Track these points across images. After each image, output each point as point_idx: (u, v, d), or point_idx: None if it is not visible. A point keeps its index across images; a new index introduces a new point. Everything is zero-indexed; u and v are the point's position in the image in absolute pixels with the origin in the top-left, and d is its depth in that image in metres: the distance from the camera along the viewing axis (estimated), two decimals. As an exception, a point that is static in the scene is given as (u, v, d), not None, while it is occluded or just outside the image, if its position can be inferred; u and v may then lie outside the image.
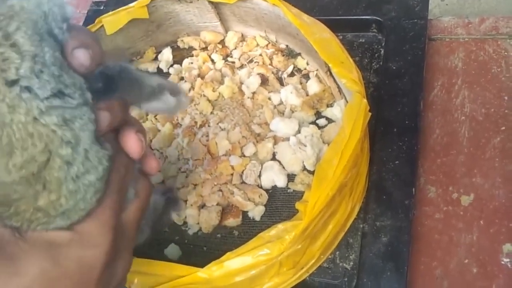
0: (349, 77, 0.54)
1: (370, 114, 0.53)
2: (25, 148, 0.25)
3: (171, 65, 0.75)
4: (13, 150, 0.25)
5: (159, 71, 0.76)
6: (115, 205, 0.32)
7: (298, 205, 0.49)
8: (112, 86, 0.31)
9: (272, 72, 0.69)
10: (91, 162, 0.28)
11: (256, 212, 0.58)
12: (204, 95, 0.68)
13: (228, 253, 0.48)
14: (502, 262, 0.53)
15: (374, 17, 0.70)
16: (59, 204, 0.28)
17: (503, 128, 0.60)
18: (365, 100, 0.52)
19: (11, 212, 0.27)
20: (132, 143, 0.33)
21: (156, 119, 0.70)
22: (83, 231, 0.30)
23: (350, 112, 0.51)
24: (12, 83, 0.25)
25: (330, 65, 0.56)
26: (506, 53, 0.64)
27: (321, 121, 0.63)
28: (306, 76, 0.68)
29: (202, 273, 0.48)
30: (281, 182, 0.59)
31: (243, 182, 0.61)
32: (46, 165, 0.26)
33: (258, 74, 0.68)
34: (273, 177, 0.60)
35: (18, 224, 0.28)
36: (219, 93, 0.68)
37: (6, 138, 0.25)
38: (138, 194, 0.36)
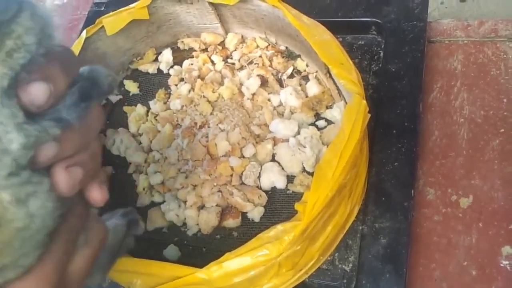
0: (348, 78, 0.54)
1: (369, 115, 0.53)
2: None
3: (171, 66, 0.75)
4: None
5: (159, 72, 0.76)
6: (59, 259, 0.29)
7: (297, 206, 0.49)
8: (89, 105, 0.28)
9: (272, 74, 0.69)
10: (44, 223, 0.26)
11: (256, 213, 0.58)
12: (204, 96, 0.68)
13: (227, 254, 0.48)
14: (501, 265, 0.53)
15: (374, 19, 0.70)
16: None
17: (502, 130, 0.60)
18: (364, 102, 0.52)
19: None
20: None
21: (156, 119, 0.70)
22: None
23: (349, 113, 0.51)
24: None
25: (329, 66, 0.56)
26: (505, 56, 0.64)
27: (321, 123, 0.63)
28: (306, 78, 0.68)
29: (201, 274, 0.48)
30: (280, 183, 0.59)
31: (242, 183, 0.61)
32: None
33: (258, 75, 0.68)
34: (273, 178, 0.60)
35: None
36: (219, 94, 0.68)
37: None
38: (90, 242, 0.33)
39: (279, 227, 0.48)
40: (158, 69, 0.76)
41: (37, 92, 0.24)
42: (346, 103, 0.62)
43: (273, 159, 0.62)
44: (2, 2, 0.23)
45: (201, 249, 0.59)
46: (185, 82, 0.71)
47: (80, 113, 0.27)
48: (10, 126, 0.23)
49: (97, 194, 0.31)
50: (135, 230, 0.47)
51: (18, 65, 0.23)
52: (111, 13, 0.69)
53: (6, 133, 0.23)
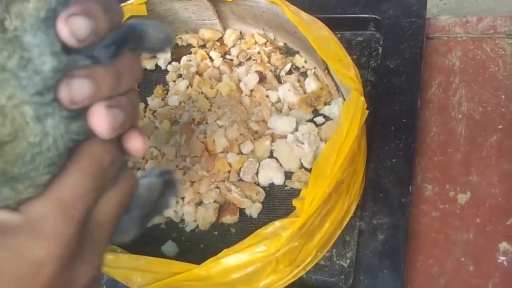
0: (346, 74, 0.54)
1: (367, 111, 0.53)
2: None
3: (169, 62, 0.75)
4: None
5: (157, 68, 0.76)
6: (83, 191, 0.26)
7: (295, 202, 0.49)
8: (120, 50, 0.28)
9: (270, 70, 0.69)
10: (55, 144, 0.26)
11: (253, 209, 0.58)
12: (202, 93, 0.68)
13: (225, 250, 0.48)
14: (499, 261, 0.53)
15: (372, 16, 0.70)
16: (9, 170, 0.25)
17: (500, 126, 0.60)
18: (362, 98, 0.52)
19: None
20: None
21: (154, 116, 0.70)
22: (34, 214, 0.25)
23: (347, 110, 0.51)
24: (3, 68, 0.24)
25: (328, 63, 0.56)
26: (503, 52, 0.64)
27: (319, 119, 0.63)
28: (304, 74, 0.68)
29: (199, 270, 0.48)
30: (278, 179, 0.59)
31: (240, 180, 0.61)
32: (10, 144, 0.25)
33: (256, 72, 0.68)
34: (271, 174, 0.60)
35: None
36: (217, 90, 0.68)
37: None
38: (118, 186, 0.30)
39: (277, 223, 0.48)
40: (156, 65, 0.76)
41: (79, 26, 0.24)
42: (344, 99, 0.62)
43: (271, 156, 0.62)
44: None
45: (199, 245, 0.59)
46: (183, 78, 0.71)
47: (112, 56, 0.27)
48: (45, 50, 0.24)
49: (138, 142, 0.29)
50: (172, 191, 0.45)
51: (48, 4, 0.24)
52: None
53: (40, 55, 0.24)
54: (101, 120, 0.26)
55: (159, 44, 0.32)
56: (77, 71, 0.25)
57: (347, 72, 0.54)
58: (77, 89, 0.25)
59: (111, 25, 0.26)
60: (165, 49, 0.34)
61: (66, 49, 0.25)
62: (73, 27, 0.24)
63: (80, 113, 0.27)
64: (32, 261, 0.24)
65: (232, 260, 0.47)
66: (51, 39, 0.25)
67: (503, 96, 0.61)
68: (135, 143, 0.29)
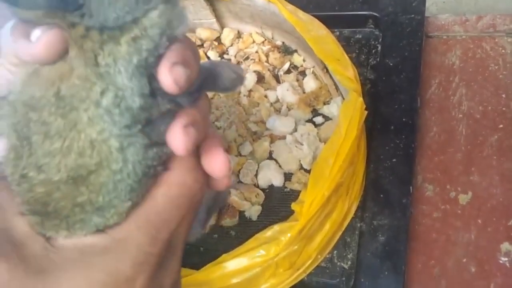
0: (345, 75, 0.54)
1: (366, 112, 0.52)
2: (82, 156, 0.26)
3: (167, 63, 0.74)
4: (69, 153, 0.26)
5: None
6: (168, 216, 0.28)
7: (294, 206, 0.49)
8: (200, 90, 0.31)
9: (268, 70, 0.68)
10: (134, 170, 0.28)
11: (253, 211, 0.58)
12: (200, 94, 0.67)
13: (224, 255, 0.48)
14: (500, 261, 0.53)
15: (371, 13, 0.69)
16: (95, 199, 0.27)
17: (501, 126, 0.59)
18: (361, 99, 0.51)
19: (49, 211, 0.27)
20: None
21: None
22: (121, 235, 0.27)
23: (346, 111, 0.51)
24: (97, 104, 0.26)
25: (326, 62, 0.55)
26: (503, 51, 0.64)
27: (318, 119, 0.63)
28: (303, 73, 0.68)
29: (198, 275, 0.48)
30: (277, 181, 0.59)
31: (239, 182, 0.60)
32: (95, 173, 0.27)
33: (254, 71, 0.67)
34: (270, 176, 0.59)
35: (52, 232, 0.27)
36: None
37: (69, 140, 0.26)
38: None
39: (276, 227, 0.48)
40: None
41: (180, 74, 0.26)
42: (344, 98, 0.61)
43: (270, 157, 0.61)
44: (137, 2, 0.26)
45: (199, 248, 0.59)
46: (181, 79, 0.71)
47: (194, 101, 0.30)
48: (137, 92, 0.26)
49: (226, 181, 0.32)
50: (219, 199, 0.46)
51: (143, 49, 0.26)
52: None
53: (132, 95, 0.26)
54: (179, 140, 0.28)
55: (231, 84, 0.35)
56: (183, 119, 0.28)
57: (345, 72, 0.54)
58: (190, 136, 0.27)
59: (198, 70, 0.28)
60: (237, 88, 0.37)
61: (152, 92, 0.27)
62: (175, 76, 0.26)
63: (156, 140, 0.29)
64: (123, 278, 0.26)
65: (231, 264, 0.47)
66: (142, 84, 0.27)
67: (503, 95, 0.60)
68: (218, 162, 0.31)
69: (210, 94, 0.67)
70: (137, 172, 0.28)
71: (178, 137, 0.28)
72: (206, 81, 0.32)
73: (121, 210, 0.28)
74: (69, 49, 0.26)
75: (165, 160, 0.29)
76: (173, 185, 0.29)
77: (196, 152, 0.30)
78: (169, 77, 0.26)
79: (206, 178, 0.31)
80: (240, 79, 0.35)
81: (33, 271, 0.25)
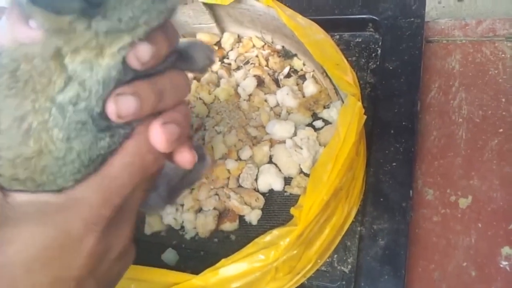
0: (344, 79, 0.54)
1: (365, 117, 0.52)
2: (20, 144, 0.27)
3: (167, 67, 0.74)
4: (9, 137, 0.27)
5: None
6: (122, 182, 0.30)
7: (293, 211, 0.49)
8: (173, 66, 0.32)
9: (268, 74, 0.68)
10: (79, 157, 0.28)
11: (253, 216, 0.58)
12: (200, 98, 0.68)
13: (223, 260, 0.48)
14: (501, 265, 0.52)
15: (371, 16, 0.69)
16: (38, 178, 0.28)
17: (501, 130, 0.59)
18: (359, 103, 0.51)
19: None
20: (153, 136, 0.30)
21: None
22: (76, 196, 0.28)
23: (344, 115, 0.51)
24: (51, 100, 0.26)
25: (325, 67, 0.55)
26: (503, 55, 0.63)
27: (318, 123, 0.63)
28: (303, 77, 0.68)
29: (197, 280, 0.48)
30: (277, 185, 0.59)
31: (239, 186, 0.60)
32: (34, 158, 0.27)
33: (254, 76, 0.67)
34: (270, 180, 0.59)
35: (5, 185, 0.28)
36: (215, 96, 0.67)
37: (8, 123, 0.27)
38: None
39: (275, 232, 0.48)
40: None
41: (143, 51, 0.27)
42: (344, 102, 0.61)
43: (270, 161, 0.61)
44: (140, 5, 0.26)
45: (199, 253, 0.59)
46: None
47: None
48: (102, 98, 0.27)
49: (187, 156, 0.33)
50: (201, 165, 0.45)
51: (121, 57, 0.27)
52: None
53: (98, 99, 0.27)
54: (158, 136, 0.30)
55: (203, 65, 0.36)
56: (123, 88, 0.28)
57: (344, 77, 0.54)
58: (123, 105, 0.27)
59: (170, 50, 0.29)
60: (207, 69, 0.37)
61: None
62: (138, 53, 0.27)
63: (109, 131, 0.29)
64: (73, 236, 0.28)
65: (230, 270, 0.47)
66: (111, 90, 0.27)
67: (503, 100, 0.60)
68: (184, 156, 0.33)
69: (210, 99, 0.67)
70: (83, 159, 0.28)
71: (158, 137, 0.30)
72: (179, 61, 0.32)
73: (65, 186, 0.29)
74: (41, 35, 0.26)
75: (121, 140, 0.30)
76: (128, 153, 0.30)
77: None
78: (131, 52, 0.27)
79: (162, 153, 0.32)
80: (211, 62, 0.37)
81: None
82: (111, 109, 0.27)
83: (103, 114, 0.28)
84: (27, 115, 0.26)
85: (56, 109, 0.26)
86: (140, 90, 0.28)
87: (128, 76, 0.28)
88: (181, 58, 0.33)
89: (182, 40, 0.34)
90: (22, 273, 0.26)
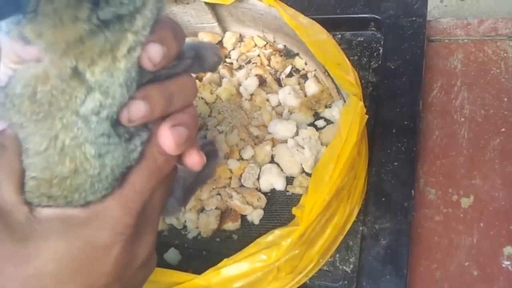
0: (345, 79, 0.54)
1: (367, 116, 0.52)
2: (56, 164, 0.28)
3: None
4: (43, 159, 0.28)
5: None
6: (140, 187, 0.30)
7: (294, 211, 0.49)
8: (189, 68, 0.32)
9: (270, 73, 0.68)
10: (113, 173, 0.29)
11: (255, 215, 0.58)
12: (202, 98, 0.68)
13: (225, 260, 0.48)
14: (503, 265, 0.52)
15: (373, 15, 0.69)
16: (70, 196, 0.29)
17: (503, 129, 0.59)
18: (361, 103, 0.51)
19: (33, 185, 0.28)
20: (163, 139, 0.31)
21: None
22: (99, 208, 0.29)
23: (346, 115, 0.51)
24: (76, 113, 0.27)
25: (326, 67, 0.55)
26: (505, 55, 0.63)
27: (320, 122, 0.63)
28: (305, 77, 0.68)
29: (199, 280, 0.48)
30: (279, 185, 0.59)
31: (241, 186, 0.60)
32: (69, 178, 0.28)
33: (256, 75, 0.67)
34: (272, 180, 0.59)
35: (35, 201, 0.29)
36: (217, 95, 0.67)
37: (45, 145, 0.27)
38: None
39: (277, 232, 0.48)
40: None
41: (155, 52, 0.27)
42: (345, 101, 0.61)
43: (272, 161, 0.61)
44: None
45: (201, 252, 0.59)
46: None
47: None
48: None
49: (196, 158, 0.34)
50: (213, 161, 0.46)
51: (135, 58, 0.27)
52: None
53: (121, 105, 0.27)
54: (167, 139, 0.30)
55: (212, 63, 0.36)
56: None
57: (346, 76, 0.54)
58: (134, 110, 0.28)
59: (179, 49, 0.30)
60: (217, 67, 0.37)
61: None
62: (149, 54, 0.27)
63: (137, 144, 0.30)
64: (100, 247, 0.28)
65: (232, 269, 0.47)
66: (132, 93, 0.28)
67: (505, 99, 0.60)
68: (193, 158, 0.34)
69: (212, 98, 0.67)
70: (116, 173, 0.29)
71: (167, 139, 0.30)
72: (193, 64, 0.33)
73: (94, 200, 0.29)
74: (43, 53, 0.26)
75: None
76: (141, 158, 0.31)
77: None
78: (144, 54, 0.27)
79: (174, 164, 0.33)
80: (220, 61, 0.37)
81: (17, 238, 0.27)
82: (123, 114, 0.28)
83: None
84: (59, 133, 0.27)
85: (81, 122, 0.27)
86: (150, 94, 0.29)
87: (145, 79, 0.29)
88: (195, 60, 0.33)
89: (191, 43, 0.34)
90: (51, 283, 0.27)
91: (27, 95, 0.26)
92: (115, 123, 0.28)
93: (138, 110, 0.28)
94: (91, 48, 0.25)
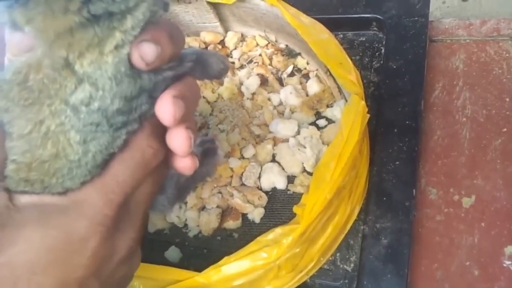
0: (347, 78, 0.54)
1: (368, 116, 0.52)
2: (37, 147, 0.27)
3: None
4: (25, 142, 0.27)
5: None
6: (122, 178, 0.29)
7: (295, 209, 0.49)
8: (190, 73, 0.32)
9: (272, 73, 0.68)
10: (95, 159, 0.29)
11: (256, 214, 0.58)
12: (204, 97, 0.68)
13: (225, 258, 0.48)
14: (504, 265, 0.52)
15: (374, 15, 0.69)
16: (47, 180, 0.29)
17: (505, 129, 0.59)
18: (363, 102, 0.51)
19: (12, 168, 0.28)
20: (179, 140, 0.31)
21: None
22: (79, 197, 0.28)
23: (348, 114, 0.51)
24: (65, 102, 0.27)
25: (328, 66, 0.55)
26: (507, 55, 0.63)
27: (321, 122, 0.63)
28: (306, 76, 0.68)
29: (200, 278, 0.48)
30: (281, 184, 0.59)
31: (242, 184, 0.60)
32: (49, 161, 0.28)
33: (258, 74, 0.68)
34: (273, 179, 0.59)
35: (12, 187, 0.28)
36: (219, 94, 0.68)
37: (29, 129, 0.27)
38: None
39: (278, 230, 0.48)
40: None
41: (147, 51, 0.27)
42: (347, 101, 0.61)
43: (273, 160, 0.61)
44: None
45: (202, 251, 0.59)
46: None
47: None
48: (118, 95, 0.27)
49: (188, 162, 0.33)
50: (212, 159, 0.45)
51: (124, 54, 0.27)
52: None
53: (113, 97, 0.27)
54: (167, 108, 0.29)
55: (218, 72, 0.36)
56: (173, 91, 0.29)
57: (347, 76, 0.54)
58: (178, 108, 0.29)
59: (175, 51, 0.29)
60: (223, 75, 0.38)
61: (135, 96, 0.28)
62: (142, 52, 0.27)
63: (125, 128, 0.29)
64: (77, 237, 0.27)
65: (233, 267, 0.47)
66: (125, 88, 0.28)
67: (507, 99, 0.60)
68: (185, 161, 0.33)
69: (213, 97, 0.67)
70: (97, 159, 0.29)
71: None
72: (196, 68, 0.33)
73: (72, 187, 0.29)
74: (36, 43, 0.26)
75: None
76: (127, 149, 0.30)
77: (162, 124, 0.31)
78: (136, 52, 0.27)
79: (165, 148, 0.32)
80: (226, 69, 0.37)
81: None
82: (169, 111, 0.29)
83: (120, 110, 0.28)
84: (45, 119, 0.27)
85: (70, 110, 0.27)
86: (184, 93, 0.30)
87: (146, 78, 0.29)
88: (198, 65, 0.33)
89: (195, 49, 0.34)
90: (24, 274, 0.26)
91: (17, 82, 0.26)
92: (111, 114, 0.28)
93: (179, 107, 0.29)
94: (79, 41, 0.25)
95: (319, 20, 0.60)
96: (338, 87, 0.63)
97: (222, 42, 0.74)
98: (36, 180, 0.28)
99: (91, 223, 0.28)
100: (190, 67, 0.32)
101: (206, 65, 0.35)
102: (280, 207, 0.59)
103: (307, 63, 0.68)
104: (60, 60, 0.26)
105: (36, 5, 0.24)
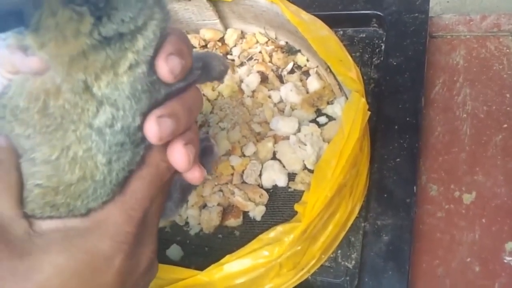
0: (347, 75, 0.54)
1: (369, 113, 0.52)
2: (64, 172, 0.28)
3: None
4: (52, 168, 0.28)
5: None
6: (141, 195, 0.30)
7: (297, 207, 0.49)
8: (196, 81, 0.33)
9: (272, 70, 0.68)
10: (118, 178, 0.29)
11: (257, 212, 0.58)
12: (204, 95, 0.68)
13: (227, 256, 0.48)
14: (505, 261, 0.52)
15: (375, 12, 0.69)
16: (72, 203, 0.29)
17: (505, 125, 0.59)
18: (363, 99, 0.51)
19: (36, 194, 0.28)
20: (177, 157, 0.31)
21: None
22: (100, 217, 0.29)
23: (348, 112, 0.51)
24: (90, 125, 0.27)
25: (328, 63, 0.55)
26: (508, 50, 0.63)
27: (322, 119, 0.63)
28: (306, 73, 0.68)
29: (202, 276, 0.48)
30: (281, 181, 0.59)
31: (243, 182, 0.60)
32: (75, 184, 0.28)
33: (258, 72, 0.67)
34: (274, 176, 0.59)
35: (37, 212, 0.28)
36: (219, 92, 0.68)
37: (56, 155, 0.27)
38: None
39: (279, 228, 0.48)
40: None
41: (175, 63, 0.28)
42: (347, 98, 0.61)
43: (274, 157, 0.61)
44: (135, 4, 0.26)
45: (204, 249, 0.59)
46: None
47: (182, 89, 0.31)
48: (138, 112, 0.28)
49: (197, 173, 0.34)
50: (209, 157, 0.46)
51: (139, 73, 0.27)
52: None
53: (134, 115, 0.28)
54: (182, 157, 0.31)
55: (219, 74, 0.37)
56: (159, 111, 0.29)
57: (348, 73, 0.54)
58: (163, 127, 0.29)
59: (191, 60, 0.30)
60: (224, 76, 0.38)
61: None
62: (171, 66, 0.28)
63: (143, 143, 0.30)
64: (101, 257, 0.28)
65: (234, 265, 0.48)
66: (144, 104, 0.28)
67: (507, 95, 0.60)
68: (194, 173, 0.34)
69: (213, 95, 0.67)
70: (120, 177, 0.29)
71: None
72: (201, 74, 0.33)
73: (95, 208, 0.29)
74: (51, 66, 0.26)
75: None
76: (143, 165, 0.31)
77: None
78: (165, 67, 0.27)
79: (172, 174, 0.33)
80: (226, 70, 0.38)
81: (17, 254, 0.26)
82: (153, 131, 0.28)
83: (140, 127, 0.28)
84: (72, 144, 0.27)
85: (96, 134, 0.27)
86: (175, 110, 0.30)
87: (162, 91, 0.29)
88: (203, 70, 0.34)
89: (197, 53, 0.35)
90: None
91: (37, 110, 0.27)
92: (132, 132, 0.28)
93: (167, 127, 0.29)
94: (94, 63, 0.26)
95: (319, 16, 0.60)
96: (339, 84, 0.63)
97: (221, 40, 0.74)
98: (62, 204, 0.28)
99: (114, 241, 0.29)
100: (199, 74, 0.32)
101: (209, 69, 0.35)
102: (281, 204, 0.59)
103: (307, 60, 0.68)
104: (80, 83, 0.26)
105: (47, 31, 0.25)
